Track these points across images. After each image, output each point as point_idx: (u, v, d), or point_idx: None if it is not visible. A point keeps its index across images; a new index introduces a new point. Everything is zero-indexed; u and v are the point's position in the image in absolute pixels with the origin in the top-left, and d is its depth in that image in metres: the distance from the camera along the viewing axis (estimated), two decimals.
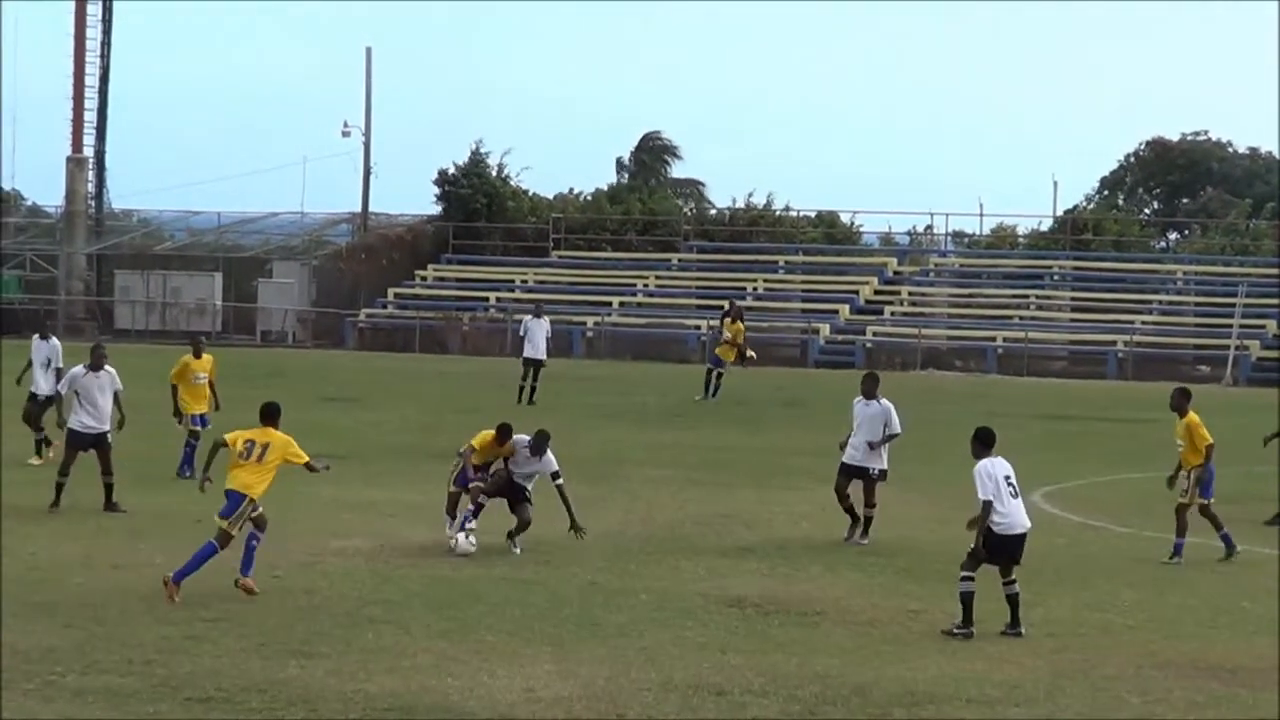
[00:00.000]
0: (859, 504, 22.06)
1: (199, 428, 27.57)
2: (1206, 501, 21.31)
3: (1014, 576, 16.65)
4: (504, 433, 21.08)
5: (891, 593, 18.93)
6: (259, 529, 18.11)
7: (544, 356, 42.20)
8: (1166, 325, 63.42)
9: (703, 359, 53.34)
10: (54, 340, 29.76)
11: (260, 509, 18.10)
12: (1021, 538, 16.63)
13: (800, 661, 15.43)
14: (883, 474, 22.12)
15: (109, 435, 23.89)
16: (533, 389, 41.24)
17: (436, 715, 13.56)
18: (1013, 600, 16.61)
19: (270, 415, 18.53)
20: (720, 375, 43.23)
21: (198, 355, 28.09)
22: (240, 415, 30.63)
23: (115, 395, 24.15)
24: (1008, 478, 16.64)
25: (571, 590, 18.58)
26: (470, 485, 21.02)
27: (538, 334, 42.31)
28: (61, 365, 28.39)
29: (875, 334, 63.29)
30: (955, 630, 16.46)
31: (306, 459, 18.38)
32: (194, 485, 26.17)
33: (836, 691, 14.36)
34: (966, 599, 16.50)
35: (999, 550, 16.52)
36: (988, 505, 16.46)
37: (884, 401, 22.15)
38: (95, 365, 24.20)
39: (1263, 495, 25.33)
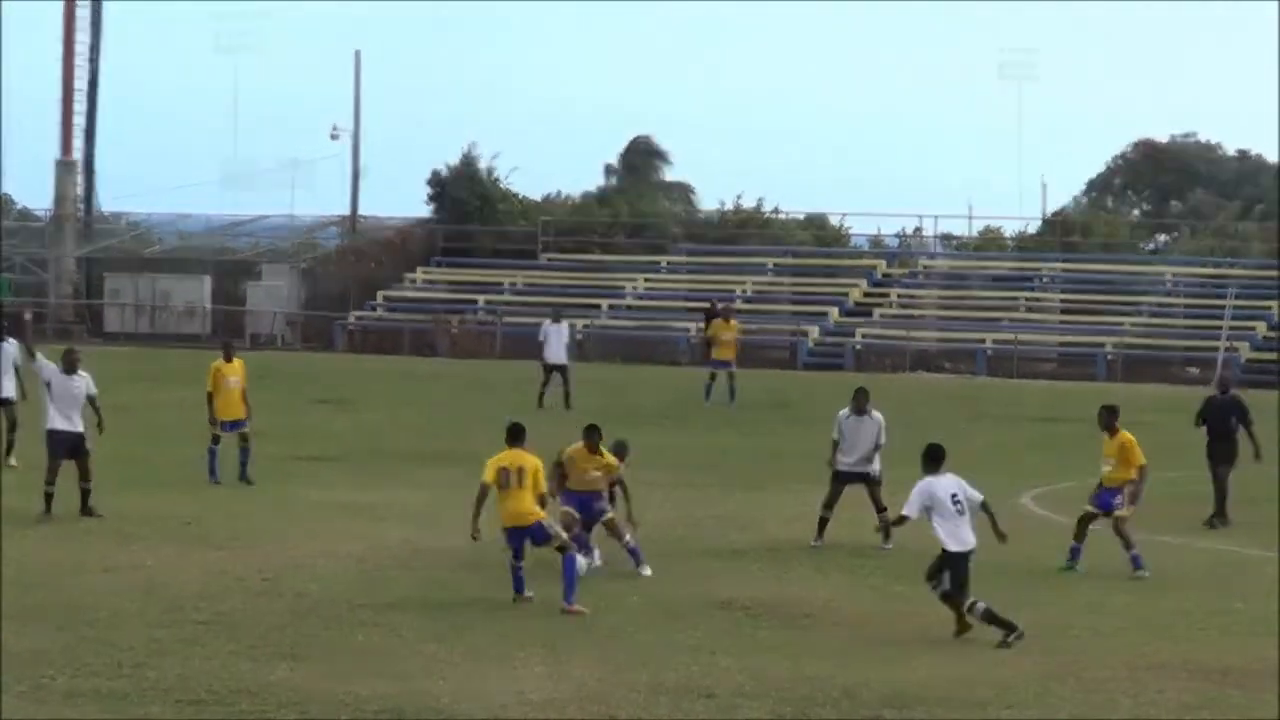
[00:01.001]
0: (856, 515, 22.04)
1: (231, 433, 27.10)
2: (1123, 515, 20.70)
3: (972, 598, 16.57)
4: (592, 436, 19.91)
5: (881, 595, 18.95)
6: (565, 552, 17.80)
7: (565, 360, 42.16)
8: (1156, 327, 63.41)
9: (693, 361, 53.37)
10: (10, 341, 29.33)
11: (564, 537, 17.98)
12: (965, 556, 16.56)
13: (790, 663, 15.45)
14: (879, 477, 22.15)
15: (87, 440, 23.56)
16: (566, 394, 40.63)
17: (427, 717, 13.56)
18: (988, 616, 16.47)
19: (518, 436, 18.16)
20: (731, 375, 43.27)
21: (229, 359, 27.76)
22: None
23: (91, 400, 23.77)
24: (954, 495, 16.61)
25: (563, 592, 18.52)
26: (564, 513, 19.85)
27: (556, 338, 42.31)
28: (20, 363, 28.18)
29: (864, 336, 63.29)
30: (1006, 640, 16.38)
31: (545, 489, 18.15)
32: (183, 488, 26.40)
33: (826, 693, 14.37)
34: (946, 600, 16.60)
35: (948, 568, 16.59)
36: (902, 519, 16.92)
37: (876, 415, 22.13)
38: (69, 368, 23.97)
39: (1255, 498, 25.37)
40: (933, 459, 16.90)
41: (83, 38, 73.63)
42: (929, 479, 16.72)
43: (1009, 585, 19.23)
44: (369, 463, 29.79)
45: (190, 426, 30.02)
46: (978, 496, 16.81)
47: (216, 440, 27.01)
